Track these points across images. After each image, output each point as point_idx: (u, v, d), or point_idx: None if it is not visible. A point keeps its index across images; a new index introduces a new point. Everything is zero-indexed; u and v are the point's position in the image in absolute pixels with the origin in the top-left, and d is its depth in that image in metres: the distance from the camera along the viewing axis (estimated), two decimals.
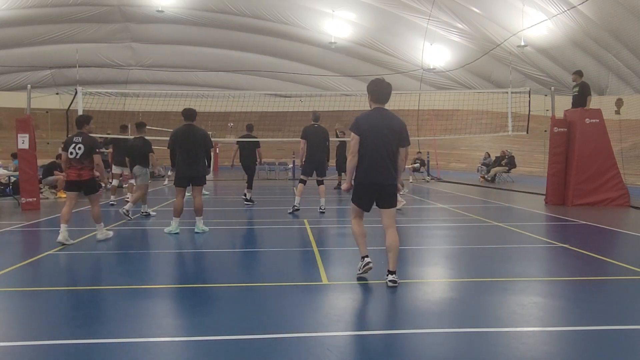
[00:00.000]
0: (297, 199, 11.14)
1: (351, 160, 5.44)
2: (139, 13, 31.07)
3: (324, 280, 5.54)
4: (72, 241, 7.57)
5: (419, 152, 23.41)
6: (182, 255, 7.13)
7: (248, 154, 13.02)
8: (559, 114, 13.43)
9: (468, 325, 4.22)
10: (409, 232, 9.32)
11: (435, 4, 25.54)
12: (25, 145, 11.79)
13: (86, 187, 7.79)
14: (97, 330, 4.07)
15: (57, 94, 18.92)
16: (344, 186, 5.82)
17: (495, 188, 18.48)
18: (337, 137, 17.36)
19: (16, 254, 7.27)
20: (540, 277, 5.88)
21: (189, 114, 8.73)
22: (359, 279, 5.58)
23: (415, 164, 22.56)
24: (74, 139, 7.76)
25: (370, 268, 5.52)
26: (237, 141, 13.50)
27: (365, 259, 5.50)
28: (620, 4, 20.67)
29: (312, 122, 11.28)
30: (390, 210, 5.47)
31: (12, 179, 14.00)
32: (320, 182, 11.26)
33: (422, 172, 22.81)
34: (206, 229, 8.71)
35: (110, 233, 8.12)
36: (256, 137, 13.41)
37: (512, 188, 17.93)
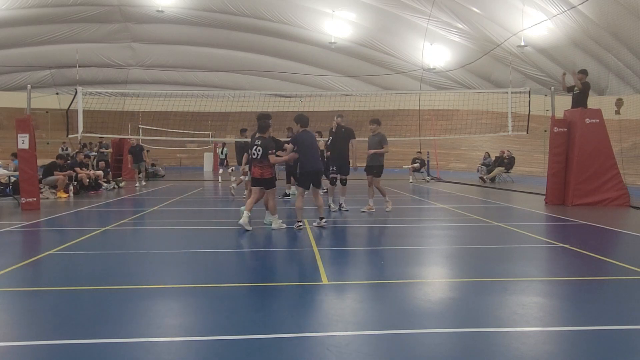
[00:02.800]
0: (342, 198, 11.63)
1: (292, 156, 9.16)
2: (139, 13, 31.09)
3: (324, 280, 5.54)
4: (250, 228, 8.61)
5: (419, 152, 23.40)
6: (180, 256, 7.13)
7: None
8: (559, 114, 13.43)
9: (468, 325, 4.22)
10: (409, 232, 9.32)
11: (435, 4, 25.55)
12: (25, 145, 11.79)
13: (266, 183, 8.85)
14: (97, 330, 4.07)
15: (57, 94, 18.92)
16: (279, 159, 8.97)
17: (495, 188, 18.49)
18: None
19: (16, 254, 7.26)
20: (540, 277, 5.88)
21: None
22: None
23: (415, 163, 22.55)
24: (255, 142, 8.83)
25: (301, 228, 8.60)
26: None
27: (300, 222, 8.75)
28: (620, 4, 20.68)
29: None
30: (318, 189, 9.24)
31: (12, 179, 14.00)
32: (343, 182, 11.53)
33: (422, 172, 22.81)
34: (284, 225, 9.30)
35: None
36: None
37: (512, 188, 17.93)
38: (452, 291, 5.31)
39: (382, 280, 5.66)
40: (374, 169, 11.13)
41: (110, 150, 22.46)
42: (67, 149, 24.76)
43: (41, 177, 14.33)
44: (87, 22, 31.51)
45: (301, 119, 9.12)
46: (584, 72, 13.03)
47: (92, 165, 19.58)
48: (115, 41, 33.62)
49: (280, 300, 4.89)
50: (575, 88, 12.98)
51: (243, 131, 14.99)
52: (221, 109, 26.27)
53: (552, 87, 14.81)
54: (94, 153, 21.66)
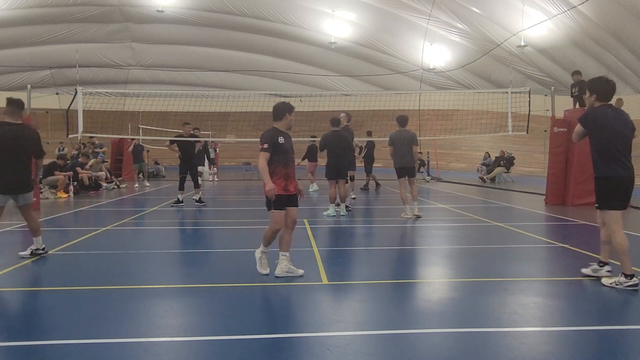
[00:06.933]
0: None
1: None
2: (139, 13, 31.06)
3: (324, 280, 5.54)
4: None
5: (420, 152, 23.39)
6: (180, 255, 7.13)
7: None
8: (559, 114, 13.42)
9: (468, 325, 4.22)
10: (409, 232, 9.31)
11: (435, 4, 25.53)
12: None
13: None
14: (97, 330, 4.07)
15: (57, 94, 18.90)
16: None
17: (495, 188, 18.48)
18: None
19: (16, 254, 7.26)
20: (540, 277, 5.88)
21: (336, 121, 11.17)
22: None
23: None
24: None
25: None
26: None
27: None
28: (620, 4, 20.67)
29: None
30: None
31: None
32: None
33: (422, 172, 22.81)
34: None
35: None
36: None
37: (512, 188, 17.93)
38: (452, 291, 5.31)
39: (382, 280, 5.66)
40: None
41: (105, 149, 22.44)
42: (63, 149, 24.76)
43: (41, 177, 14.32)
44: (87, 22, 31.47)
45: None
46: (578, 73, 13.09)
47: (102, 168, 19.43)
48: (115, 41, 33.58)
49: (280, 300, 4.89)
50: (574, 89, 12.99)
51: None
52: (221, 109, 26.22)
53: (552, 87, 14.80)
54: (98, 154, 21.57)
